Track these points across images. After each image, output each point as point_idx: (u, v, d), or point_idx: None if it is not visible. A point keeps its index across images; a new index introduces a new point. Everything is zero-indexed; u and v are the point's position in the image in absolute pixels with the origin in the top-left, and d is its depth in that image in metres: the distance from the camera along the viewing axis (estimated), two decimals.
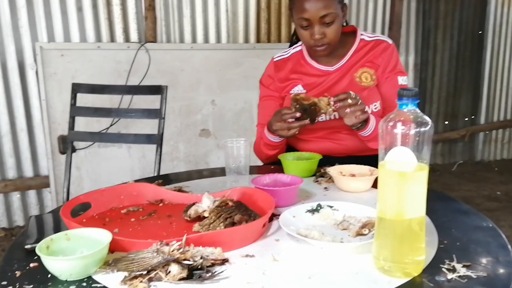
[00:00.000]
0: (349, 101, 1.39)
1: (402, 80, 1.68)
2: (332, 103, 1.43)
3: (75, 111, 1.97)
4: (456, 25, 4.28)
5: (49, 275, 0.86)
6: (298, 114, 1.45)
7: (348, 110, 1.40)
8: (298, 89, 1.71)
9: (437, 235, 0.99)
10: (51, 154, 2.85)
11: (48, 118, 2.82)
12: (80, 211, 1.15)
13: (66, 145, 2.00)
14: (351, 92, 1.43)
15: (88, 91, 2.00)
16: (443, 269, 0.84)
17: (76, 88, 1.97)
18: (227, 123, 3.25)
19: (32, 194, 3.02)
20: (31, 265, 0.91)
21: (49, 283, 0.84)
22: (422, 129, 0.79)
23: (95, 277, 0.85)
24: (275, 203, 1.05)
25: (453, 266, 0.84)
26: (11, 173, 2.93)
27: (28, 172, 2.98)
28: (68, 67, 2.81)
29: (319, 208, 1.08)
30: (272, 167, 1.63)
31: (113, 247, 0.92)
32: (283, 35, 3.41)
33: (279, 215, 1.10)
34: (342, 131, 1.66)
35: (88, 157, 2.94)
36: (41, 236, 1.02)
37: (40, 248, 0.85)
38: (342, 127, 1.63)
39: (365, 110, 1.43)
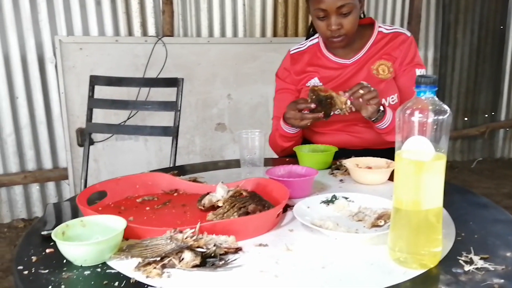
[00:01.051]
0: (360, 91, 1.38)
1: (420, 73, 1.65)
2: (349, 102, 1.41)
3: (93, 103, 1.98)
4: (477, 20, 4.20)
5: (64, 261, 0.86)
6: (313, 105, 1.44)
7: (361, 100, 1.39)
8: (315, 81, 1.70)
9: (454, 228, 0.97)
10: (69, 146, 2.89)
11: (67, 111, 2.86)
12: (96, 200, 1.16)
13: (84, 137, 2.02)
14: (362, 82, 1.42)
15: (106, 83, 2.02)
16: (460, 261, 0.82)
17: (94, 80, 1.99)
18: (243, 117, 3.25)
19: (51, 186, 3.07)
20: (47, 250, 0.92)
21: (64, 268, 0.84)
22: (440, 117, 0.78)
23: (109, 263, 0.85)
24: (289, 194, 1.04)
25: (471, 258, 0.83)
26: (30, 165, 2.97)
27: (47, 164, 3.02)
28: (87, 60, 2.84)
29: (334, 199, 1.07)
30: (287, 159, 1.62)
31: (128, 235, 0.92)
32: (300, 29, 3.39)
33: (293, 206, 1.09)
34: (359, 123, 1.65)
35: (106, 150, 2.97)
36: (58, 223, 1.03)
37: (55, 234, 0.86)
38: (358, 120, 1.61)
39: (377, 96, 1.42)
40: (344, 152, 1.52)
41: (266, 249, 0.90)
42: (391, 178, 1.29)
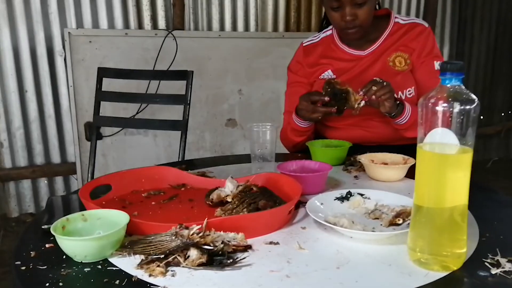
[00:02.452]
0: (373, 88, 1.32)
1: (438, 65, 1.58)
2: (362, 103, 1.35)
3: (101, 95, 1.94)
4: (494, 16, 4.10)
5: (64, 256, 0.82)
6: (326, 98, 1.38)
7: (374, 97, 1.33)
8: (328, 74, 1.64)
9: (477, 228, 0.91)
10: (77, 140, 2.86)
11: (76, 104, 2.83)
12: (101, 194, 1.12)
13: (92, 131, 1.99)
14: (375, 78, 1.36)
15: (114, 75, 1.97)
16: (486, 264, 0.76)
17: (102, 73, 1.95)
18: (254, 113, 3.19)
19: (59, 180, 3.05)
20: (47, 245, 0.88)
21: (64, 265, 0.80)
22: (467, 107, 0.72)
23: (111, 259, 0.81)
24: (302, 190, 0.99)
25: (497, 261, 0.77)
26: (39, 159, 2.95)
27: (56, 158, 3.00)
28: (96, 53, 2.81)
29: (349, 195, 1.02)
30: (299, 154, 1.57)
31: (131, 230, 0.88)
32: (313, 24, 3.33)
33: (306, 202, 1.04)
34: (374, 118, 1.58)
35: (114, 145, 2.94)
36: (59, 217, 0.99)
37: (55, 228, 0.82)
38: (374, 114, 1.56)
39: (391, 91, 1.36)
40: (358, 148, 1.46)
41: (277, 247, 0.84)
42: (408, 175, 1.24)
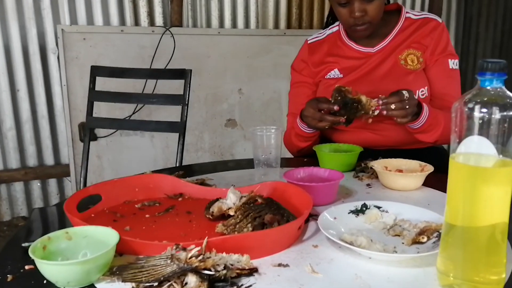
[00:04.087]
0: (392, 106, 1.21)
1: (453, 64, 1.49)
2: (376, 112, 1.24)
3: (94, 95, 1.84)
4: (501, 13, 3.99)
5: (45, 281, 0.72)
6: (336, 108, 1.26)
7: (392, 112, 1.23)
8: (335, 73, 1.54)
9: None
10: (71, 142, 2.75)
11: (69, 104, 2.72)
12: (90, 204, 1.01)
13: (85, 132, 1.88)
14: (402, 92, 1.23)
15: (108, 74, 1.87)
16: None
17: (95, 71, 1.85)
18: (254, 113, 3.09)
19: (52, 183, 2.94)
20: (26, 267, 0.77)
21: None
22: (510, 113, 0.62)
23: (98, 285, 0.71)
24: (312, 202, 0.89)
25: None
26: (31, 161, 2.85)
27: (49, 160, 2.89)
28: (91, 51, 2.70)
29: (364, 208, 0.92)
30: (305, 159, 1.47)
31: (122, 249, 0.78)
32: (315, 21, 3.22)
33: (316, 215, 0.94)
34: (384, 120, 1.48)
35: (109, 146, 2.84)
36: (44, 232, 0.89)
37: (34, 249, 0.72)
38: (384, 116, 1.46)
39: (412, 112, 1.26)
40: (367, 152, 1.36)
41: (287, 270, 0.74)
42: (425, 183, 1.14)
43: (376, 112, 1.24)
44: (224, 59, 2.97)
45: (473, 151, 0.65)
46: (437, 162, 1.20)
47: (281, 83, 3.03)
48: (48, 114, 2.83)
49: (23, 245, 0.84)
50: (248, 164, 1.40)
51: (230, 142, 3.08)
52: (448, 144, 1.49)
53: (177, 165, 1.77)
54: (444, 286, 0.68)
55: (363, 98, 1.23)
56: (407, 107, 1.22)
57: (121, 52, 2.74)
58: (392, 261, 0.75)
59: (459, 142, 0.66)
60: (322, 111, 1.30)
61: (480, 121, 0.63)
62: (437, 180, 1.16)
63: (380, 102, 1.21)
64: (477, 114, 0.63)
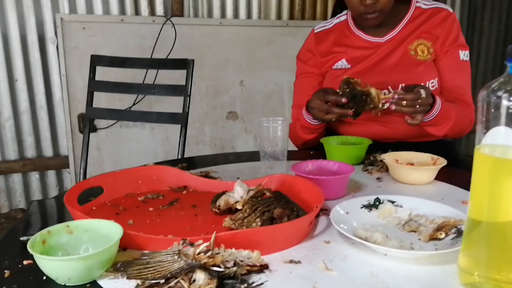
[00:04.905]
0: (403, 103, 1.17)
1: (464, 55, 1.45)
2: (386, 105, 1.20)
3: (94, 85, 1.80)
4: (505, 6, 3.94)
5: (45, 277, 0.68)
6: (344, 100, 1.22)
7: (403, 109, 1.19)
8: (342, 64, 1.50)
9: None
10: (70, 133, 2.71)
11: (68, 95, 2.67)
12: (91, 197, 0.98)
13: (84, 123, 1.84)
14: (420, 91, 1.19)
15: (108, 64, 1.82)
16: None
17: (95, 61, 1.80)
18: (256, 106, 3.05)
19: (51, 175, 2.90)
20: (25, 262, 0.74)
21: None
22: None
23: (100, 281, 0.67)
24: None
25: None
26: (30, 152, 2.80)
27: (48, 151, 2.84)
28: (90, 41, 2.65)
29: (377, 203, 0.88)
30: (312, 152, 1.43)
31: (125, 243, 0.74)
32: (318, 12, 3.17)
33: (326, 209, 0.91)
34: (393, 112, 1.44)
35: (109, 138, 2.79)
36: (43, 225, 0.86)
37: (33, 243, 0.68)
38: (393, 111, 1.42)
39: (424, 110, 1.22)
40: (375, 145, 1.33)
41: (299, 267, 0.71)
42: (437, 177, 1.10)
43: (386, 106, 1.20)
44: (225, 50, 2.92)
45: (499, 143, 0.61)
46: (445, 155, 1.16)
47: (283, 75, 2.99)
48: (47, 104, 2.78)
49: (21, 239, 0.80)
50: (252, 156, 1.36)
51: (231, 135, 3.04)
52: (458, 138, 1.47)
53: (179, 157, 1.73)
54: (465, 284, 0.65)
55: (373, 91, 1.19)
56: (418, 106, 1.18)
57: (121, 42, 2.69)
58: (409, 258, 0.72)
59: (485, 133, 0.62)
60: (329, 103, 1.26)
61: (510, 111, 0.59)
62: (449, 174, 1.13)
63: (396, 96, 1.16)
64: (505, 103, 0.59)
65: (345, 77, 1.25)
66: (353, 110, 1.22)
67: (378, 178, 1.13)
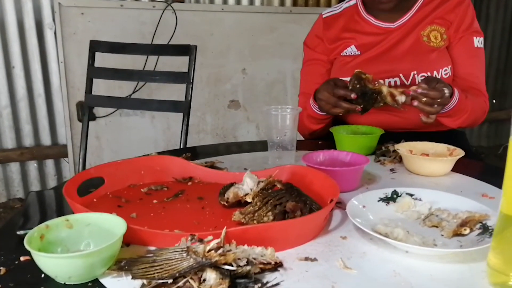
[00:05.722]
0: (423, 99, 1.09)
1: (478, 42, 1.40)
2: (403, 98, 1.12)
3: (93, 72, 1.74)
4: None
5: (43, 275, 0.64)
6: (353, 96, 1.15)
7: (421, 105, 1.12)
8: (351, 50, 1.45)
9: None
10: (69, 121, 2.65)
11: (67, 82, 2.61)
12: (92, 188, 0.93)
13: (84, 111, 1.79)
14: (444, 90, 1.11)
15: (108, 50, 1.76)
16: None
17: (95, 46, 1.74)
18: (258, 94, 2.99)
19: (49, 164, 2.85)
20: (22, 258, 0.69)
21: (41, 287, 0.62)
22: None
23: (102, 280, 0.63)
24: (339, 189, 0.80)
25: None
26: (27, 141, 2.75)
27: (46, 140, 2.79)
28: (89, 27, 2.58)
29: (395, 196, 0.83)
30: (320, 142, 1.38)
31: (129, 238, 0.70)
32: None
33: (339, 202, 0.86)
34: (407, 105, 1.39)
35: (108, 126, 2.74)
36: (41, 218, 0.81)
37: (30, 239, 0.63)
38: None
39: (441, 109, 1.15)
40: (385, 135, 1.27)
41: (316, 265, 0.66)
42: (454, 168, 1.05)
43: (403, 99, 1.13)
44: (227, 37, 2.85)
45: None
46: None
47: (286, 63, 2.93)
48: (44, 92, 2.72)
49: (18, 233, 0.75)
50: (258, 146, 1.31)
51: (233, 124, 2.99)
52: (471, 128, 1.42)
53: (181, 147, 1.68)
54: (496, 284, 0.60)
55: (384, 90, 1.13)
56: (436, 105, 1.12)
57: (120, 28, 2.62)
58: (432, 256, 0.67)
59: None
60: (338, 97, 1.20)
61: None
62: (466, 165, 1.08)
63: (419, 91, 1.09)
64: None
65: (356, 70, 1.18)
66: (361, 106, 1.16)
67: (391, 170, 1.08)
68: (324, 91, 1.23)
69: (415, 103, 1.09)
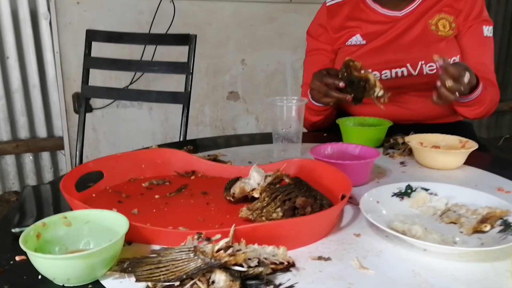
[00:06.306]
0: (449, 83, 1.02)
1: (488, 31, 1.36)
2: (381, 93, 1.09)
3: (90, 62, 1.69)
4: None
5: (40, 276, 0.60)
6: (341, 84, 1.11)
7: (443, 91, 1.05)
8: (357, 39, 1.40)
9: None
10: (65, 113, 2.60)
11: (62, 73, 2.56)
12: (90, 182, 0.89)
13: (80, 102, 1.74)
14: (468, 74, 1.06)
15: (105, 39, 1.71)
16: None
17: (91, 36, 1.69)
18: (257, 86, 2.94)
19: (45, 156, 2.79)
20: (17, 258, 0.65)
21: None
22: None
23: (103, 282, 0.59)
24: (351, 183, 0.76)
25: None
26: (23, 133, 2.69)
27: (42, 132, 2.73)
28: (85, 16, 2.52)
29: (409, 191, 0.80)
30: (325, 134, 1.34)
31: (131, 236, 0.66)
32: None
33: (350, 197, 0.82)
34: (410, 92, 1.36)
35: (105, 118, 2.69)
36: (38, 215, 0.77)
37: (26, 238, 0.59)
38: (410, 87, 1.34)
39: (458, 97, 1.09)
40: (392, 127, 1.23)
41: (330, 265, 0.62)
42: (467, 161, 1.01)
43: (381, 93, 1.09)
44: (226, 27, 2.80)
45: None
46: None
47: (286, 54, 2.88)
48: (40, 83, 2.66)
49: (13, 230, 0.71)
50: (263, 139, 1.27)
51: (232, 116, 2.94)
52: (481, 119, 1.38)
53: (181, 139, 1.64)
54: None
55: (371, 77, 1.09)
56: (453, 84, 1.04)
57: (117, 17, 2.56)
58: (452, 255, 0.63)
59: None
60: (329, 86, 1.16)
61: None
62: (477, 158, 1.04)
63: (442, 63, 1.02)
64: None
65: (346, 58, 1.15)
66: (352, 95, 1.12)
67: (401, 163, 1.05)
68: (315, 80, 1.19)
69: (438, 83, 1.04)
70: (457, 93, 1.05)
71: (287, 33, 2.85)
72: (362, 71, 1.11)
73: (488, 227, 0.68)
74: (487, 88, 1.21)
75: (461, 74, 1.04)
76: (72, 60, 2.55)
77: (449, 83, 1.02)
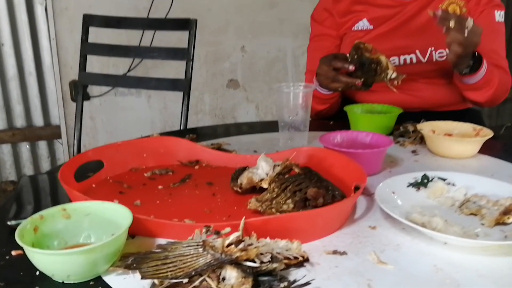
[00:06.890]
0: (452, 23, 1.00)
1: (499, 16, 1.32)
2: (394, 75, 1.04)
3: (87, 48, 1.64)
4: None
5: (38, 272, 0.56)
6: (351, 67, 1.07)
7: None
8: (363, 24, 1.36)
9: None
10: (62, 101, 2.55)
11: (59, 60, 2.50)
12: (90, 172, 0.85)
13: (77, 89, 1.69)
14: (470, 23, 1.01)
15: (102, 24, 1.66)
16: None
17: (88, 21, 1.64)
18: (258, 73, 2.89)
19: (42, 145, 2.74)
20: (13, 253, 0.61)
21: (36, 287, 0.54)
22: None
23: (106, 278, 0.55)
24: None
25: None
26: (19, 121, 2.64)
27: (38, 121, 2.68)
28: (81, 1, 2.46)
29: (426, 181, 0.76)
30: (331, 122, 1.30)
31: (134, 229, 0.62)
32: None
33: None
34: (419, 79, 1.32)
35: (103, 106, 2.64)
36: (35, 207, 0.74)
37: (23, 232, 0.55)
38: (419, 74, 1.30)
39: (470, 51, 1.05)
40: (402, 115, 1.19)
41: (346, 259, 0.59)
42: (481, 150, 0.98)
43: (394, 75, 1.04)
44: (225, 13, 2.74)
45: None
46: None
47: (287, 40, 2.83)
48: (36, 70, 2.60)
49: (9, 223, 0.68)
50: (269, 127, 1.22)
51: (232, 104, 2.89)
52: (491, 107, 1.34)
53: (181, 128, 1.60)
54: None
55: (383, 59, 1.04)
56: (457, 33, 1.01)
57: (114, 2, 2.50)
58: (474, 248, 0.60)
59: None
60: (338, 70, 1.11)
61: None
62: (491, 146, 1.00)
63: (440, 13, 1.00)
64: None
65: (356, 41, 1.10)
66: (362, 80, 1.07)
67: (413, 151, 1.01)
68: (323, 64, 1.14)
69: (444, 29, 1.02)
70: (465, 31, 1.00)
71: (288, 19, 2.79)
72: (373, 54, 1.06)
73: (511, 219, 0.64)
74: (495, 70, 1.18)
75: (460, 15, 1.01)
76: (68, 46, 2.49)
77: (451, 23, 0.99)
